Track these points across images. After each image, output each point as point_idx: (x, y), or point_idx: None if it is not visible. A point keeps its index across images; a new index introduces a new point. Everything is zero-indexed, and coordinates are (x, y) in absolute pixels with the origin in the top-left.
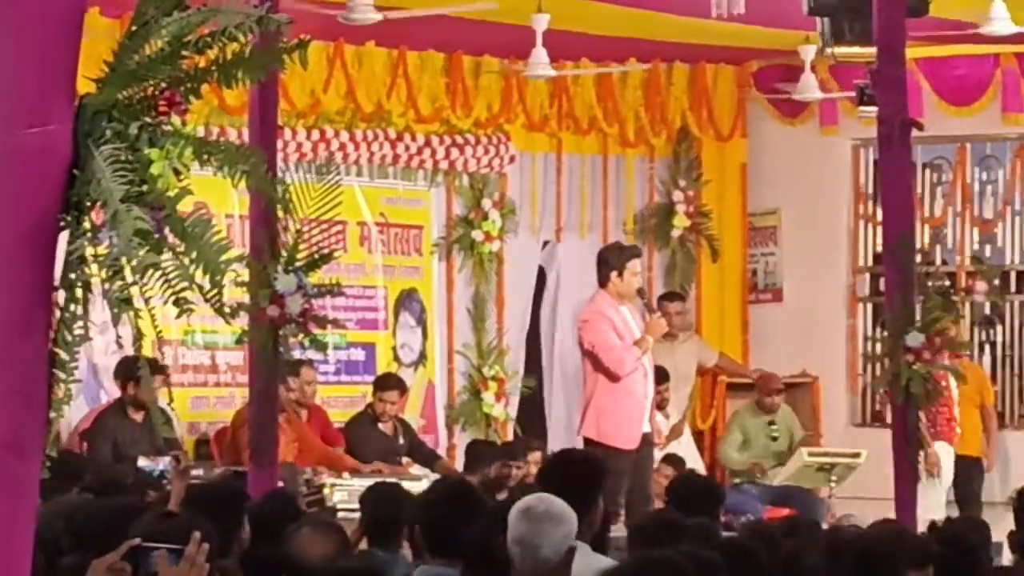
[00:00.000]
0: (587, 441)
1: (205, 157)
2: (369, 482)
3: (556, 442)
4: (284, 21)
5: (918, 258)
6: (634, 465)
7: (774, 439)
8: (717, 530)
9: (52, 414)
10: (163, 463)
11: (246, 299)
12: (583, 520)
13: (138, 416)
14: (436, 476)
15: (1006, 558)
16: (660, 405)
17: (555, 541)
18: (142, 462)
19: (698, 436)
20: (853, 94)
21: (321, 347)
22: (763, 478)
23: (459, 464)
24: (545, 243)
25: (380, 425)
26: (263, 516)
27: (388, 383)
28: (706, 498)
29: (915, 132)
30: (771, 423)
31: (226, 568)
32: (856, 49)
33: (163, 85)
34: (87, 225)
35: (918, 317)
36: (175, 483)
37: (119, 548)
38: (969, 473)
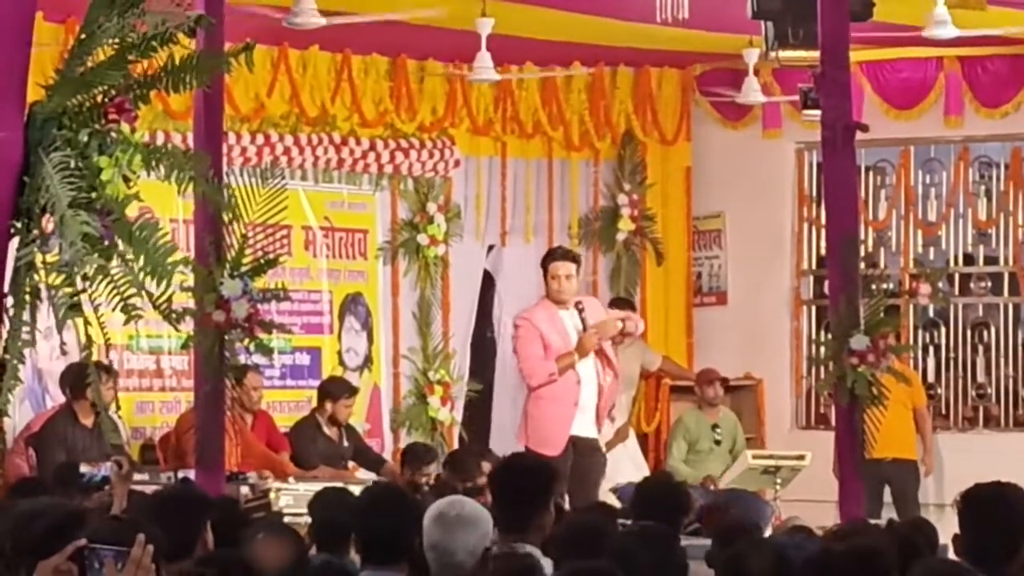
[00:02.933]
0: (526, 447)
1: (153, 163)
2: (315, 487)
3: (501, 447)
4: (212, 21)
5: (862, 261)
6: (575, 472)
7: (718, 442)
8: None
9: None
10: (104, 468)
11: (192, 304)
12: (532, 524)
13: (88, 421)
14: (381, 480)
15: None
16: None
17: (469, 545)
18: (84, 468)
19: (642, 439)
20: (797, 98)
21: (267, 351)
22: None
23: None
24: (490, 247)
25: (325, 429)
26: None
27: (344, 389)
28: (672, 504)
29: (859, 135)
30: (715, 426)
31: (185, 571)
32: (800, 53)
33: (112, 92)
34: (36, 232)
35: (862, 320)
36: (117, 488)
37: (64, 549)
38: (904, 476)
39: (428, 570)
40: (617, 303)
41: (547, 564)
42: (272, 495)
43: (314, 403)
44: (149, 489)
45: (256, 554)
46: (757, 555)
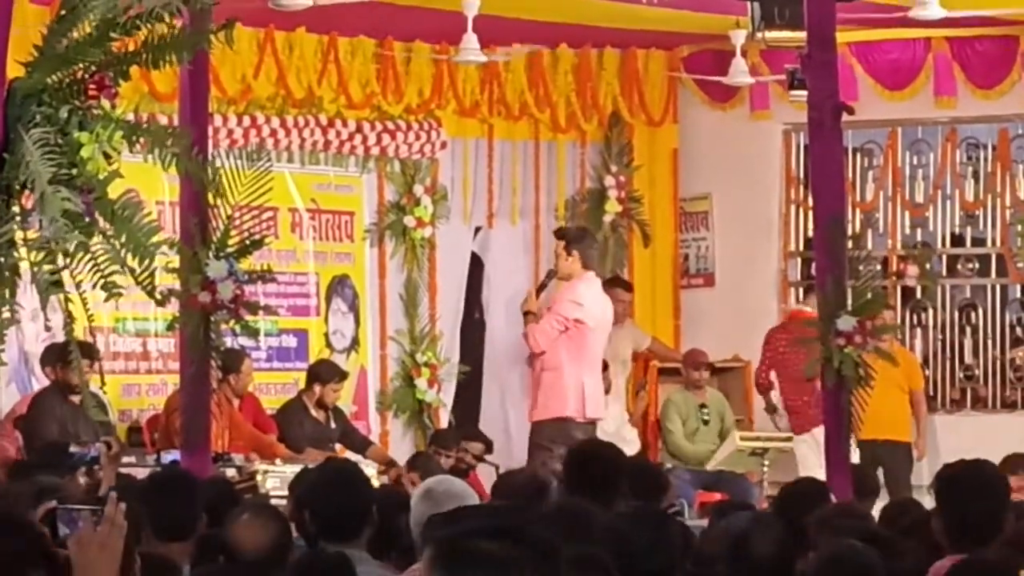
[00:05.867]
0: None
1: (135, 140)
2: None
3: (489, 429)
4: (209, 2)
5: (849, 242)
6: None
7: (705, 422)
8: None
9: None
10: (94, 449)
11: (177, 285)
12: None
13: (76, 398)
14: (368, 462)
15: None
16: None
17: None
18: (73, 448)
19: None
20: (784, 78)
21: (253, 333)
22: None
23: (392, 451)
24: (477, 229)
25: (313, 412)
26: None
27: (334, 374)
28: (653, 485)
29: (846, 116)
30: (703, 406)
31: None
32: (787, 33)
33: (92, 68)
34: (16, 209)
35: (849, 301)
36: (106, 469)
37: (36, 512)
38: (897, 458)
39: (414, 548)
40: (613, 283)
41: None
42: (259, 477)
43: (301, 385)
44: (136, 471)
45: (239, 535)
46: (762, 534)
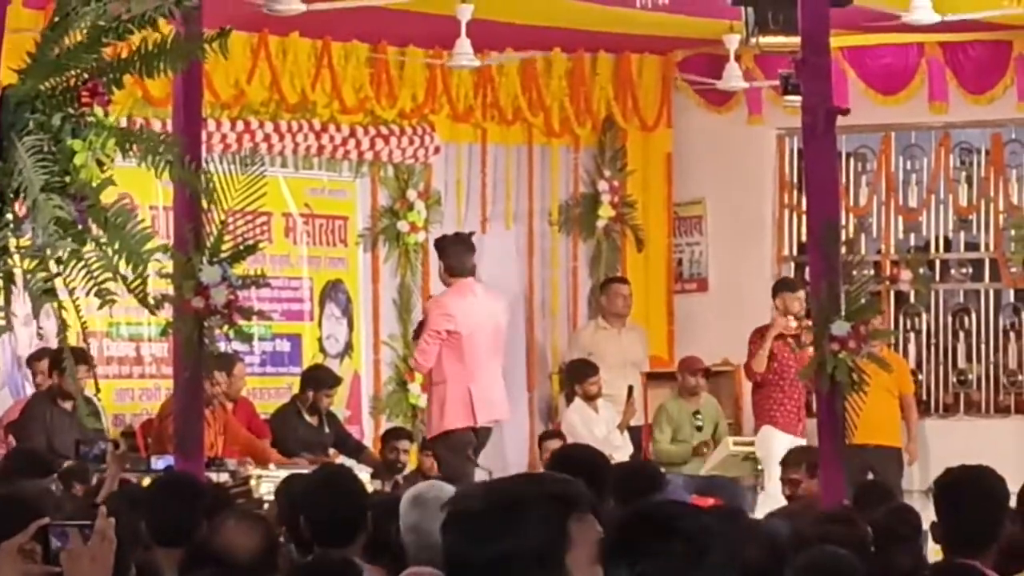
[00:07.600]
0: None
1: (128, 147)
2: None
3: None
4: (196, 4)
5: (843, 247)
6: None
7: (699, 428)
8: None
9: None
10: (99, 447)
11: (171, 290)
12: None
13: (67, 404)
14: (363, 467)
15: (929, 548)
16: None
17: None
18: (83, 447)
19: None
20: (778, 83)
21: (246, 338)
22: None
23: None
24: (470, 234)
25: (306, 417)
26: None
27: (329, 380)
28: (647, 484)
29: (840, 121)
30: (696, 412)
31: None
32: (780, 39)
33: (85, 76)
34: (10, 216)
35: (843, 306)
36: (111, 468)
37: (27, 528)
38: (887, 463)
39: (405, 555)
40: (609, 282)
41: None
42: (253, 482)
43: (294, 390)
44: (129, 476)
45: (226, 540)
46: (750, 540)
